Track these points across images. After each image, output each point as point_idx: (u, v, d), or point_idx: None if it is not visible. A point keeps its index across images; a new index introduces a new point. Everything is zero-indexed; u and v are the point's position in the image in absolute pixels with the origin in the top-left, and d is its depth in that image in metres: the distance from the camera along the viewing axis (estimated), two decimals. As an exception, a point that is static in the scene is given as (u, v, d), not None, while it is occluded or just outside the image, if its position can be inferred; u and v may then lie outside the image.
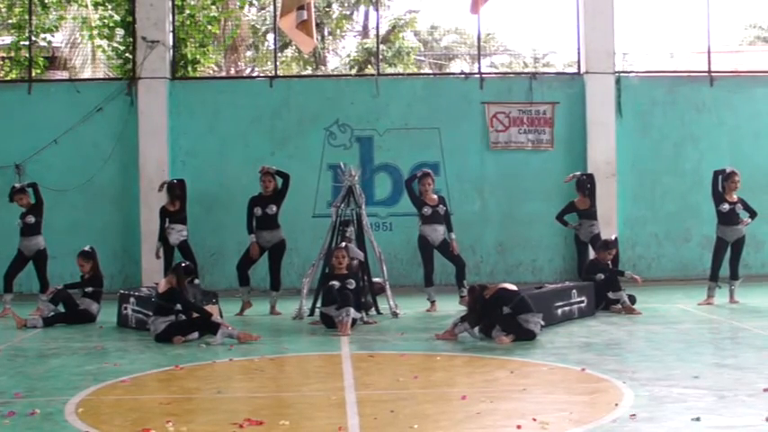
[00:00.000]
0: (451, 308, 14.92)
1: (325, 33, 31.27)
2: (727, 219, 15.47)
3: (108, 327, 14.01)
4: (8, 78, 20.19)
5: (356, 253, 14.59)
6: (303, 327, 13.78)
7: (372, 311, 14.71)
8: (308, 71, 28.75)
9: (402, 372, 9.88)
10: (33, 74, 19.77)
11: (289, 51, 28.10)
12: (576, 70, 19.96)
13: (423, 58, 32.35)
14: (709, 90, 19.73)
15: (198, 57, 20.26)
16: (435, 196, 15.58)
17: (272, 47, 21.48)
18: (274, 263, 15.39)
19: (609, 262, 15.17)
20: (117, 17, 19.93)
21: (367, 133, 19.44)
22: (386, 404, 8.16)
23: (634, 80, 19.83)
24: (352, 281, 13.45)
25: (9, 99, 19.29)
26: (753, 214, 15.71)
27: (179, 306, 12.36)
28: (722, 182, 15.56)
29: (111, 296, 15.21)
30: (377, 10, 23.73)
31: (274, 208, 15.19)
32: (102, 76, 20.89)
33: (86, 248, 14.80)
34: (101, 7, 20.15)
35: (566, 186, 17.74)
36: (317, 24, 18.64)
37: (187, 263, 13.14)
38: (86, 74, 21.17)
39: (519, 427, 7.34)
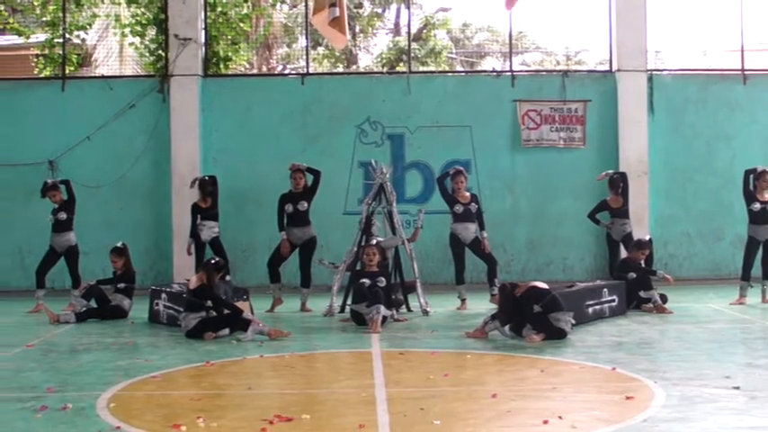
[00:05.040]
0: (482, 306, 14.90)
1: (357, 31, 31.26)
2: (759, 218, 15.36)
3: (139, 322, 14.06)
4: (42, 75, 20.30)
5: (390, 243, 14.69)
6: (333, 324, 13.80)
7: (403, 309, 14.71)
8: (340, 68, 28.76)
9: (432, 369, 9.86)
10: (67, 71, 19.88)
11: (321, 49, 28.13)
12: (608, 68, 19.87)
13: (454, 56, 32.30)
14: (742, 88, 19.60)
15: (230, 54, 20.29)
16: (468, 194, 15.53)
17: (304, 44, 21.47)
18: (305, 260, 15.42)
19: (641, 262, 15.11)
20: (149, 15, 20.01)
21: (398, 131, 19.43)
22: (416, 402, 8.15)
23: (666, 78, 19.73)
24: (383, 278, 13.46)
25: (43, 96, 19.41)
26: (785, 213, 15.57)
27: (210, 302, 12.39)
28: (753, 181, 15.45)
29: (142, 292, 15.29)
30: (408, 8, 23.71)
31: (305, 205, 15.22)
32: (134, 74, 20.96)
33: (119, 244, 14.87)
34: (133, 5, 20.22)
35: (597, 184, 17.69)
36: (349, 22, 18.59)
37: (218, 259, 13.15)
38: (116, 71, 21.23)
39: (546, 422, 7.33)
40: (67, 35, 20.07)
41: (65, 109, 19.25)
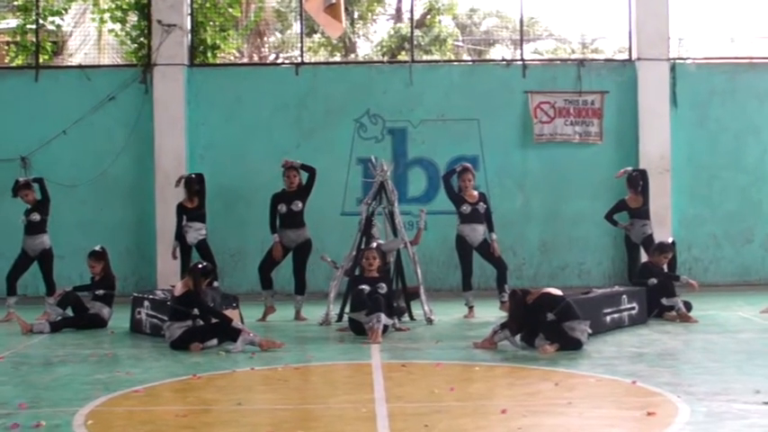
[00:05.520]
0: (491, 314, 14.90)
1: (355, 17, 31.24)
2: (791, 218, 15.37)
3: (120, 332, 14.06)
4: (14, 65, 20.29)
5: (391, 246, 14.69)
6: (330, 333, 13.80)
7: (405, 317, 14.70)
8: (337, 58, 28.75)
9: (437, 383, 9.85)
10: (41, 60, 19.87)
11: (316, 37, 28.12)
12: (627, 57, 19.89)
13: (461, 44, 32.27)
14: (773, 78, 19.65)
15: (218, 42, 20.29)
16: (476, 193, 15.52)
17: (298, 31, 21.46)
18: (299, 264, 15.41)
19: (664, 266, 15.09)
20: (130, -1, 20.04)
21: (400, 125, 19.44)
22: (419, 418, 8.14)
23: (691, 67, 19.73)
24: (384, 284, 13.45)
25: (15, 86, 19.42)
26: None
27: (196, 310, 12.38)
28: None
29: (123, 299, 15.28)
30: (411, -8, 23.69)
31: (299, 205, 15.20)
32: (114, 63, 20.96)
33: (97, 248, 14.85)
34: (113, -12, 20.25)
35: (616, 183, 17.67)
36: (346, 8, 18.61)
37: (205, 264, 13.13)
38: (94, 60, 21.21)
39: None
40: (41, 21, 20.08)
41: (38, 101, 19.25)
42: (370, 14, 32.59)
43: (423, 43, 30.12)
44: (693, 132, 19.45)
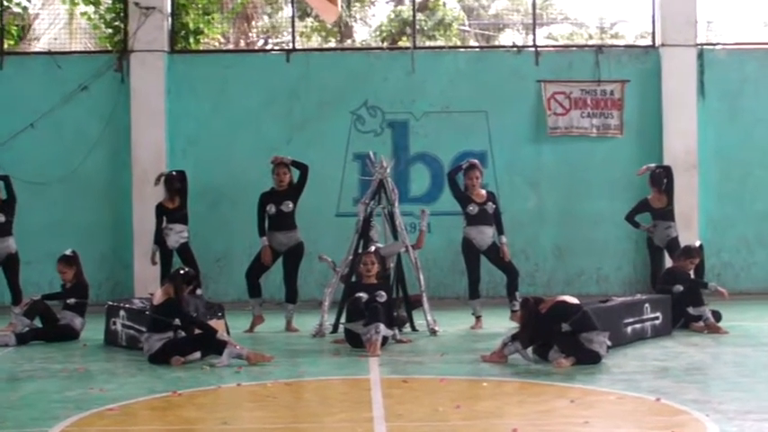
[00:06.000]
0: (501, 325, 14.92)
1: (352, -1, 31.29)
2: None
3: (93, 345, 14.06)
4: (-24, 51, 20.31)
5: (391, 250, 14.68)
6: (324, 346, 13.80)
7: (407, 328, 14.71)
8: (332, 43, 28.77)
9: (441, 400, 9.85)
10: (5, 45, 19.84)
11: (309, 20, 28.14)
12: (650, 42, 19.92)
13: (467, 29, 32.28)
14: (811, 65, 19.66)
15: (201, 26, 20.28)
16: (483, 192, 15.51)
17: (290, 15, 21.47)
18: (290, 270, 15.41)
19: (690, 272, 15.09)
20: (105, -21, 20.02)
21: (401, 117, 19.44)
22: (422, 438, 8.15)
23: (720, 54, 19.73)
24: (383, 292, 13.43)
25: (-23, 75, 19.44)
26: None
27: (178, 321, 12.38)
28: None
29: (97, 308, 15.26)
30: (413, -29, 23.72)
31: (290, 205, 15.21)
32: (86, 49, 20.94)
33: (68, 252, 14.84)
34: (86, -33, 20.23)
35: (637, 181, 17.69)
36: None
37: (188, 269, 13.14)
38: (65, 46, 21.19)
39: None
40: (6, 2, 20.05)
41: (3, 91, 19.25)
42: (368, -4, 32.60)
43: (426, 28, 30.14)
44: (723, 125, 19.44)
